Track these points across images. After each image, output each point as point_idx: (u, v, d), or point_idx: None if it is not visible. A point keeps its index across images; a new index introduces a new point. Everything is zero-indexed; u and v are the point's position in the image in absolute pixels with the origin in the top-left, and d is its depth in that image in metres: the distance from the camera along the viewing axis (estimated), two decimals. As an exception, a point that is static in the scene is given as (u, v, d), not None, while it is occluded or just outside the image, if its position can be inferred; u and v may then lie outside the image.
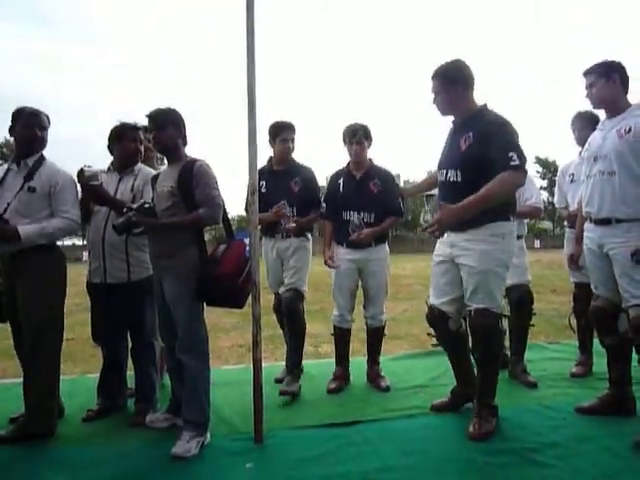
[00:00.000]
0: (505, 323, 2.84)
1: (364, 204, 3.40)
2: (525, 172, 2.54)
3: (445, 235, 2.74)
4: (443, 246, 2.78)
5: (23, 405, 2.74)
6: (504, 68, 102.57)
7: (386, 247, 3.53)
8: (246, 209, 3.38)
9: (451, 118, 2.80)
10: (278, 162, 3.52)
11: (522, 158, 2.49)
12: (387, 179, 3.49)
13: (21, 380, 2.77)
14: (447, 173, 2.71)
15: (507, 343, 3.38)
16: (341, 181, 3.50)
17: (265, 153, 3.57)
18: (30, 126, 2.73)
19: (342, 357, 3.54)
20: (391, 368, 3.72)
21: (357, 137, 3.39)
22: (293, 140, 3.50)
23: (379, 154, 3.47)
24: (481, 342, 2.67)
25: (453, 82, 2.66)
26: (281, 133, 3.44)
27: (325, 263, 3.47)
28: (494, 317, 2.65)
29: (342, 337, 3.53)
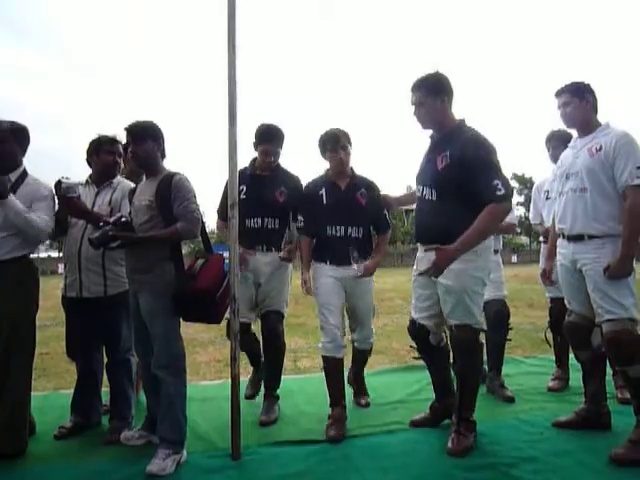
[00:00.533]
0: (482, 337, 2.87)
1: (352, 217, 3.04)
2: (510, 200, 2.55)
3: (419, 251, 2.79)
4: (421, 263, 2.78)
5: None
6: (503, 75, 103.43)
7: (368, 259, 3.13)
8: (218, 212, 3.30)
9: (429, 132, 2.79)
10: (261, 168, 3.26)
11: (506, 186, 2.50)
12: (372, 189, 3.14)
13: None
14: (423, 190, 2.72)
15: (484, 357, 3.41)
16: (323, 192, 3.10)
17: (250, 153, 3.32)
18: (7, 141, 2.69)
19: (339, 396, 3.00)
20: (371, 383, 3.70)
21: (341, 142, 3.02)
22: (276, 154, 3.23)
23: (359, 167, 3.32)
24: (461, 357, 2.70)
25: (437, 92, 2.64)
26: (264, 144, 3.18)
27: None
28: (474, 332, 2.68)
29: (335, 369, 3.00)
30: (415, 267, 2.87)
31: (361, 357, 3.39)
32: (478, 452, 2.61)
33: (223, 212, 3.12)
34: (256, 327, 3.40)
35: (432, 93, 2.65)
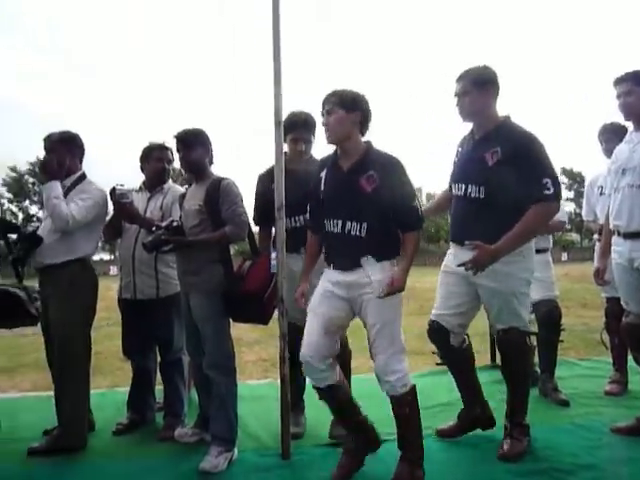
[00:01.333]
0: (533, 339, 2.78)
1: (350, 209, 2.31)
2: (559, 199, 2.46)
3: (451, 249, 2.71)
4: (455, 259, 2.64)
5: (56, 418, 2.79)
6: (536, 77, 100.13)
7: (389, 266, 2.32)
8: (254, 219, 3.05)
9: (463, 129, 2.71)
10: (292, 161, 2.89)
11: (556, 185, 2.41)
12: (390, 169, 2.32)
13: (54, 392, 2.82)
14: (467, 188, 2.59)
15: (536, 359, 3.31)
16: (324, 174, 2.45)
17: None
18: (56, 151, 2.80)
19: (349, 428, 2.53)
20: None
21: (327, 105, 2.33)
22: (309, 141, 2.96)
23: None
24: (510, 360, 2.63)
25: (484, 83, 2.55)
26: (292, 131, 2.88)
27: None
28: (522, 335, 2.60)
29: (332, 399, 2.44)
30: (445, 263, 2.77)
31: (398, 412, 2.38)
32: (531, 457, 2.54)
33: (261, 217, 2.99)
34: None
35: (478, 83, 2.54)
